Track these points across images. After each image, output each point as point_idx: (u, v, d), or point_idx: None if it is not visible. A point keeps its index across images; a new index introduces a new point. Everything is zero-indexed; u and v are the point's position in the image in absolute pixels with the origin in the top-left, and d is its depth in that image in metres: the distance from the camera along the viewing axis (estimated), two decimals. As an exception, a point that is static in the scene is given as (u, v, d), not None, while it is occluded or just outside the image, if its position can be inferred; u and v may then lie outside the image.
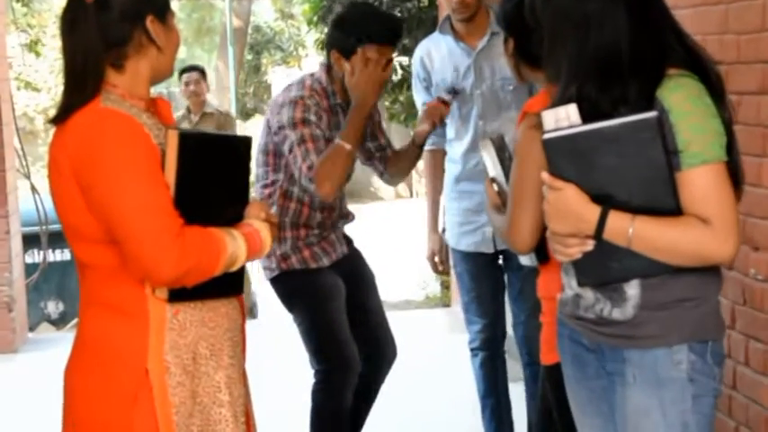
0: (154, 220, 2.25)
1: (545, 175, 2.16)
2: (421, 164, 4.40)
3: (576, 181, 2.13)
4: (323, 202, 3.74)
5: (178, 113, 7.75)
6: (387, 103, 9.52)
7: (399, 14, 8.17)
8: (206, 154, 2.41)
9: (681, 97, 2.12)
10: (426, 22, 8.14)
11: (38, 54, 13.70)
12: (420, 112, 4.04)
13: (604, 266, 2.20)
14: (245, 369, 2.56)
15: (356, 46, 3.58)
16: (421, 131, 3.84)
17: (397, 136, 9.61)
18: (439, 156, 4.17)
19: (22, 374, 5.99)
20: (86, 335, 2.42)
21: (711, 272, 2.24)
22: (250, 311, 7.14)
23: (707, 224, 2.10)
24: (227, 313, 2.48)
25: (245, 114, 21.22)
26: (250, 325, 2.61)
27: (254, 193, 3.76)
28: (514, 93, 3.91)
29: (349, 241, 3.98)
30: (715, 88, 2.19)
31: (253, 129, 17.51)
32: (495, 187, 2.64)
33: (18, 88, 15.23)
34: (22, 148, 6.88)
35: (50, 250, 7.31)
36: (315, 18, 8.85)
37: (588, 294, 2.29)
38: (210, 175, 2.40)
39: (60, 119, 2.36)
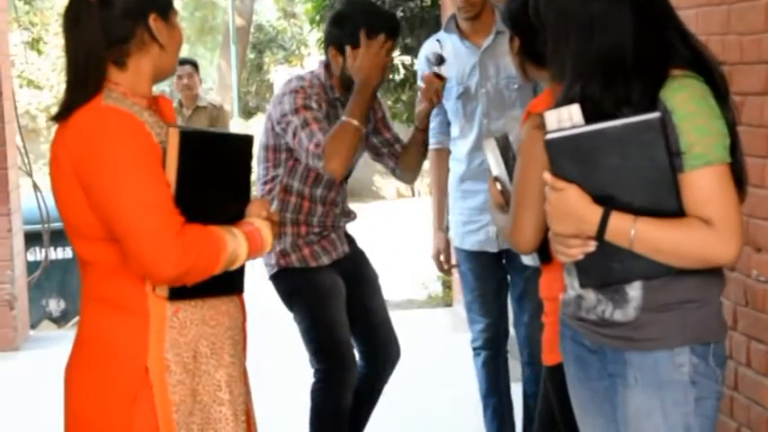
0: (154, 217, 2.25)
1: (547, 176, 2.15)
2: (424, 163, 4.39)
3: (578, 181, 2.13)
4: (323, 195, 3.75)
5: None
6: (389, 102, 9.51)
7: (402, 14, 8.16)
8: (207, 152, 2.41)
9: (684, 98, 2.12)
10: (429, 22, 8.13)
11: (40, 52, 13.71)
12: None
13: (606, 268, 2.19)
14: (245, 367, 2.56)
15: (356, 35, 3.61)
16: (419, 111, 3.84)
17: (401, 135, 9.57)
18: (444, 154, 4.17)
19: (23, 372, 6.00)
20: (87, 332, 2.42)
21: (714, 273, 2.22)
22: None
23: (710, 226, 2.09)
24: (228, 311, 2.48)
25: (248, 113, 21.22)
26: (251, 323, 2.61)
27: (255, 191, 3.76)
28: (519, 91, 3.91)
29: (351, 241, 3.98)
30: (719, 89, 2.18)
31: (255, 127, 17.50)
32: (499, 186, 2.64)
33: (20, 86, 15.24)
34: (24, 146, 6.88)
35: (52, 248, 7.32)
36: (317, 17, 8.84)
37: (590, 295, 2.29)
38: (211, 174, 2.40)
39: (62, 116, 2.36)
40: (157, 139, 2.34)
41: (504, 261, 4.04)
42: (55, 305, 8.22)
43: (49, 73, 17.79)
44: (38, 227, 6.97)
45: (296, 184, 3.76)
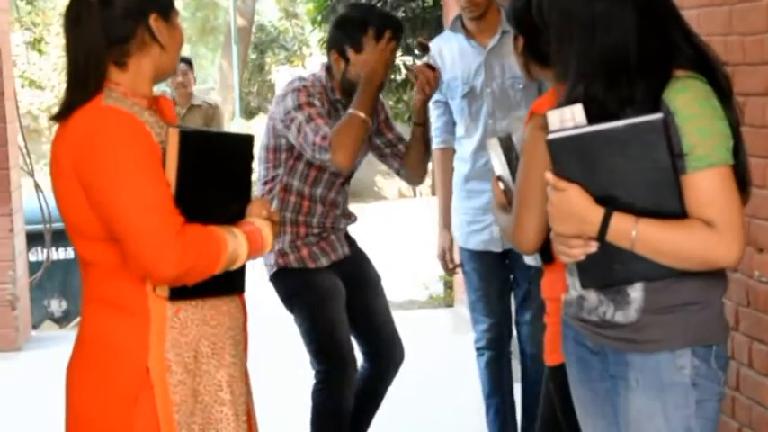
0: (154, 217, 2.25)
1: (549, 176, 2.15)
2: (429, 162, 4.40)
3: (580, 182, 2.13)
4: (323, 195, 3.76)
5: None
6: (391, 103, 9.52)
7: (403, 14, 8.17)
8: (207, 152, 2.41)
9: (687, 100, 2.11)
10: (431, 22, 8.15)
11: (41, 52, 13.72)
12: (431, 109, 4.08)
13: (608, 269, 2.18)
14: (246, 368, 2.56)
15: (361, 35, 3.65)
16: (414, 104, 3.85)
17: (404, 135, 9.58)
18: (449, 154, 4.18)
19: (25, 372, 6.00)
20: (88, 333, 2.42)
21: (716, 275, 2.22)
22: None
23: (712, 228, 2.08)
24: (229, 311, 2.47)
25: (249, 113, 21.22)
26: (252, 323, 2.61)
27: (256, 191, 3.77)
28: (524, 91, 3.91)
29: (352, 242, 3.98)
30: (722, 89, 2.17)
31: (256, 127, 17.50)
32: (502, 186, 2.64)
33: (22, 86, 15.24)
34: (26, 146, 6.88)
35: (54, 248, 7.32)
36: (319, 17, 8.86)
37: (592, 296, 2.28)
38: (212, 173, 2.40)
39: (62, 116, 2.36)
40: (157, 139, 2.33)
41: (507, 261, 4.04)
42: (57, 305, 8.22)
43: (50, 73, 17.80)
44: (39, 227, 6.97)
45: (296, 183, 3.76)
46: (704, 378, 2.20)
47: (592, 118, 2.11)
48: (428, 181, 12.91)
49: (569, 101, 2.15)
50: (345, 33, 3.71)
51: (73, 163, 2.31)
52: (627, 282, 2.20)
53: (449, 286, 8.01)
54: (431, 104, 4.15)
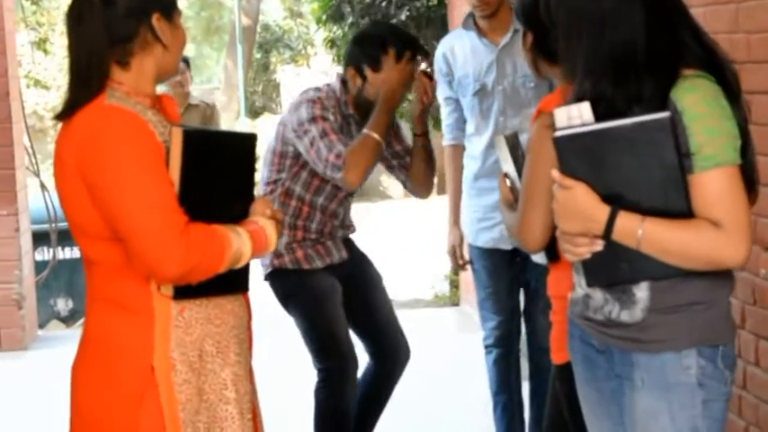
0: (158, 217, 2.25)
1: (555, 173, 2.15)
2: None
3: (586, 180, 2.12)
4: (324, 204, 3.77)
5: None
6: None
7: (408, 13, 8.15)
8: (211, 151, 2.41)
9: (695, 99, 2.10)
10: (435, 21, 8.13)
11: (47, 52, 13.72)
12: (441, 106, 4.07)
13: (614, 267, 2.18)
14: (251, 366, 2.56)
15: (380, 54, 3.68)
16: (412, 113, 3.87)
17: (407, 134, 9.59)
18: (459, 151, 4.18)
19: (31, 371, 6.01)
20: (92, 332, 2.42)
21: (723, 275, 2.20)
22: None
23: (719, 228, 2.07)
24: (233, 310, 2.47)
25: (254, 113, 21.22)
26: (257, 322, 2.61)
27: (257, 191, 3.78)
28: (536, 90, 3.91)
29: (350, 246, 3.97)
30: (731, 88, 2.17)
31: (261, 127, 17.49)
32: (509, 183, 2.64)
33: (27, 86, 15.24)
34: (32, 146, 6.90)
35: (60, 248, 7.32)
36: (324, 16, 8.83)
37: (597, 295, 2.28)
38: (215, 172, 2.40)
39: (65, 115, 2.37)
40: (161, 139, 2.34)
41: (517, 259, 4.04)
42: (63, 305, 8.23)
43: (56, 73, 17.81)
44: (45, 226, 6.98)
45: (298, 189, 3.78)
46: (710, 378, 2.19)
47: (599, 116, 2.11)
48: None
49: (577, 98, 2.15)
50: (364, 51, 3.72)
51: (77, 162, 2.31)
52: (632, 281, 2.20)
53: (454, 285, 8.01)
54: (441, 101, 4.16)
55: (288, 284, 3.84)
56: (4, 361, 6.19)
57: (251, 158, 2.53)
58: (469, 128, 4.09)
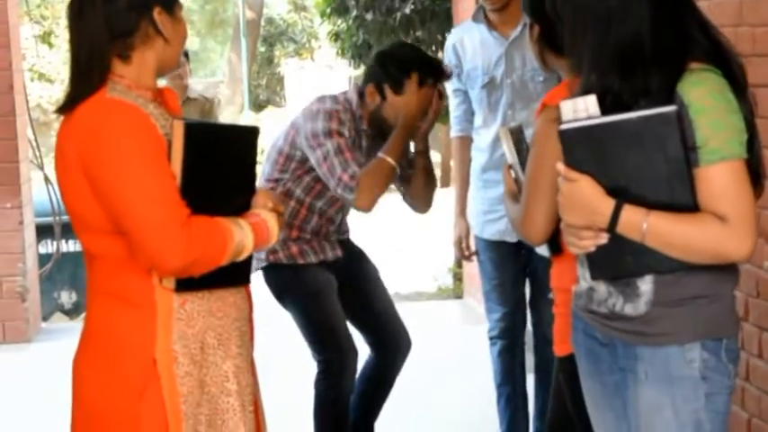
0: (160, 209, 2.25)
1: (560, 166, 2.14)
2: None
3: (591, 173, 2.11)
4: (322, 208, 3.78)
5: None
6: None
7: (412, 7, 8.14)
8: (212, 144, 2.40)
9: (701, 93, 2.10)
10: (440, 15, 8.11)
11: (51, 45, 13.74)
12: (450, 98, 4.05)
13: (618, 260, 2.17)
14: (253, 359, 2.56)
15: (404, 78, 3.66)
16: (417, 131, 3.76)
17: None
18: (467, 142, 4.18)
19: (35, 364, 6.01)
20: (94, 325, 2.42)
21: (727, 269, 2.20)
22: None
23: (724, 222, 2.07)
24: (235, 303, 2.48)
25: (258, 106, 21.23)
26: (258, 315, 2.61)
27: (258, 185, 3.78)
28: (545, 84, 3.90)
29: (345, 244, 3.97)
30: (738, 82, 2.16)
31: (265, 120, 17.50)
32: (513, 174, 2.64)
33: (32, 79, 15.27)
34: (36, 139, 6.89)
35: (63, 240, 7.32)
36: (328, 10, 8.82)
37: (601, 288, 2.28)
38: (217, 165, 2.40)
39: (66, 108, 2.37)
40: (163, 132, 2.33)
41: (523, 251, 4.04)
42: (67, 297, 8.23)
43: (60, 66, 17.83)
44: (49, 219, 6.98)
45: (298, 191, 3.79)
46: (714, 371, 2.19)
47: (605, 109, 2.10)
48: (437, 173, 12.88)
49: (583, 91, 2.14)
50: (387, 72, 3.70)
51: (78, 155, 2.31)
52: (637, 274, 2.19)
53: (458, 278, 8.01)
54: (450, 93, 4.15)
55: (283, 279, 3.85)
56: (7, 353, 6.21)
57: (253, 151, 2.53)
58: (477, 120, 4.09)
